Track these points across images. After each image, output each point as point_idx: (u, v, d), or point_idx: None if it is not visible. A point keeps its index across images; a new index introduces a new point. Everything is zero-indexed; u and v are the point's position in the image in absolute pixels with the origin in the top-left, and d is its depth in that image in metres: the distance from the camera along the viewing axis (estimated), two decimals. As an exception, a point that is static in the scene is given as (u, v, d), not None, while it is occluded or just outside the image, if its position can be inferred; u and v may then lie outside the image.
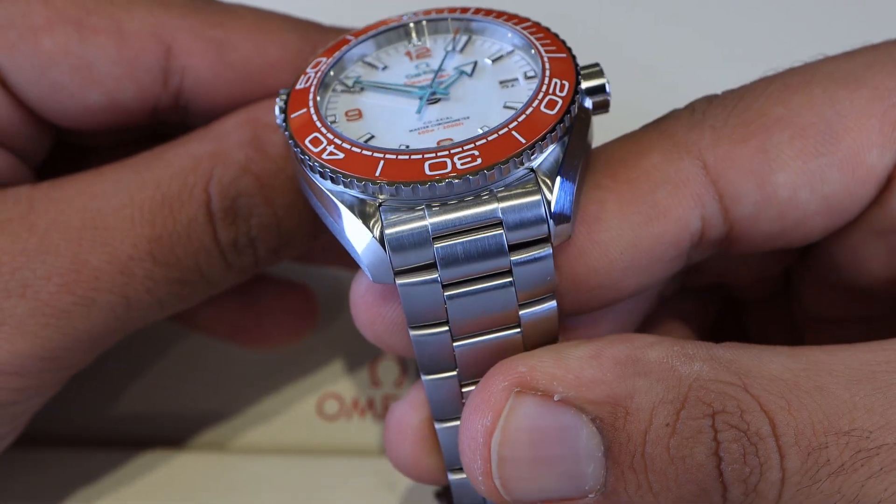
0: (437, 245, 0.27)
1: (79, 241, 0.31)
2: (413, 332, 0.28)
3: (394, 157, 0.27)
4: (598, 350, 0.27)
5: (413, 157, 0.27)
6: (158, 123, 0.36)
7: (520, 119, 0.27)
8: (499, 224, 0.27)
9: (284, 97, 0.29)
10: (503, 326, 0.28)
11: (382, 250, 0.27)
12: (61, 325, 0.31)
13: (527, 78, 0.30)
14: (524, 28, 0.30)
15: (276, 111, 0.30)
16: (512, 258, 0.27)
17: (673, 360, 0.27)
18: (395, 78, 0.30)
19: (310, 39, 0.34)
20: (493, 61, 0.30)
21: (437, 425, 0.30)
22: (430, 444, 0.31)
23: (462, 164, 0.26)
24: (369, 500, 0.38)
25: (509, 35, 0.30)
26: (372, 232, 0.27)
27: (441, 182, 0.26)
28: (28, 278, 0.31)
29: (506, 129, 0.27)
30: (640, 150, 0.30)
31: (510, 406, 0.27)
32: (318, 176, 0.27)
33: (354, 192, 0.27)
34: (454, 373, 0.29)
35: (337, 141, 0.27)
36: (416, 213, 0.27)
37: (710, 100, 0.31)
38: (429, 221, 0.26)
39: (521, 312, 0.28)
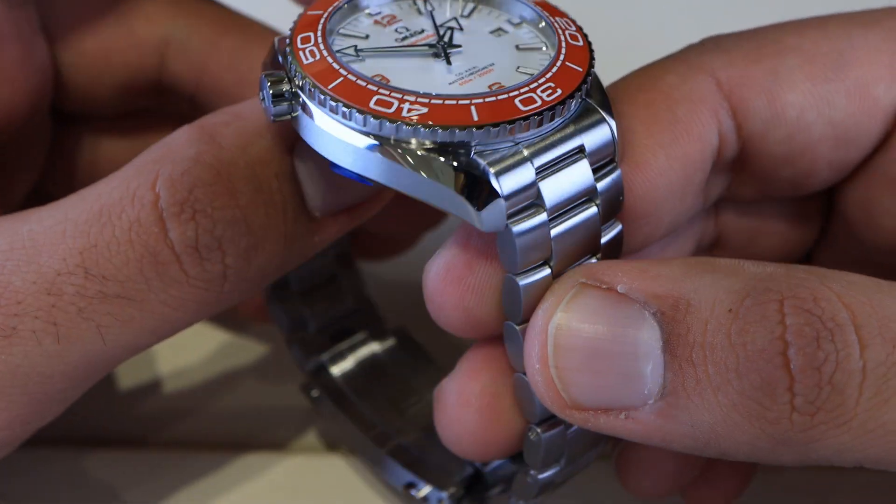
0: (541, 182, 0.27)
1: (3, 263, 0.28)
2: (522, 280, 0.28)
3: (481, 100, 0.27)
4: (669, 258, 0.27)
5: (500, 97, 0.27)
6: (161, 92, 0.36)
7: (563, 52, 0.28)
8: (581, 151, 0.28)
9: (283, 76, 0.28)
10: (589, 255, 0.29)
11: (494, 195, 0.26)
12: None
13: (513, 24, 0.31)
14: None
15: (267, 93, 0.28)
16: (596, 183, 0.28)
17: (744, 263, 0.26)
18: (387, 42, 0.30)
19: None
20: (465, 17, 0.31)
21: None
22: (497, 410, 0.31)
23: (547, 97, 0.27)
24: (369, 500, 0.38)
25: None
26: (484, 178, 0.26)
27: (540, 115, 0.27)
28: None
29: (560, 62, 0.28)
30: (654, 75, 0.31)
31: (572, 294, 0.26)
32: (402, 140, 0.27)
33: (444, 145, 0.27)
34: None
35: (410, 98, 0.27)
36: (516, 154, 0.27)
37: (719, 35, 0.32)
38: (531, 159, 0.27)
39: (602, 238, 0.29)
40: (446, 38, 0.29)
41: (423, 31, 0.30)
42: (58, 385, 0.29)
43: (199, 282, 0.29)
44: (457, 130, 0.26)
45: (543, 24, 0.30)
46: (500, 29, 0.30)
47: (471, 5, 0.31)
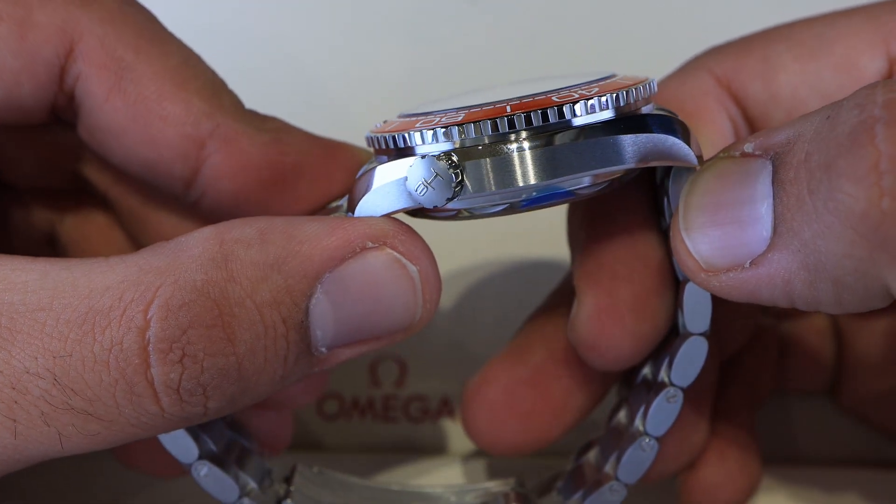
0: None
1: None
2: None
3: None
4: None
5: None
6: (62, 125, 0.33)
7: None
8: None
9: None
10: None
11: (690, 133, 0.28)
12: None
13: None
14: None
15: (446, 171, 0.26)
16: None
17: None
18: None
19: (213, 117, 0.31)
20: None
21: None
22: (508, 411, 0.34)
23: None
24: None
25: None
26: (682, 123, 0.28)
27: None
28: None
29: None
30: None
31: (707, 164, 0.27)
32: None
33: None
34: None
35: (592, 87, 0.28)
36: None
37: (713, 46, 0.34)
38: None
39: None
40: None
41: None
42: (8, 468, 0.27)
43: (175, 418, 0.26)
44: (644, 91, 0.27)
45: None
46: None
47: None
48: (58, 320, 0.26)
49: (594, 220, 0.32)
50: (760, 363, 0.38)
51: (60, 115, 0.32)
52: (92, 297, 0.26)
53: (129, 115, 0.31)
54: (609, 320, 0.30)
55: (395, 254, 0.27)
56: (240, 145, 0.31)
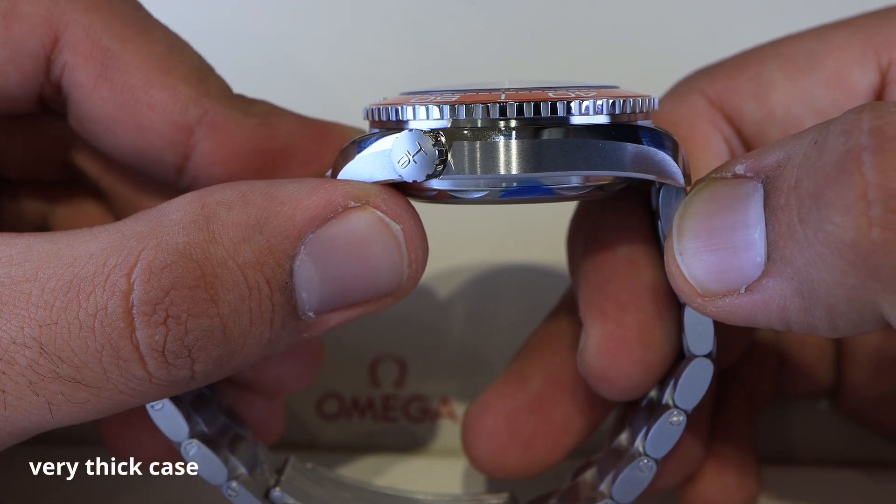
0: None
1: None
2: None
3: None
4: None
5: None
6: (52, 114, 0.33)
7: None
8: None
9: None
10: None
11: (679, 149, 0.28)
12: None
13: None
14: None
15: (429, 146, 0.26)
16: None
17: None
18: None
19: (201, 103, 0.31)
20: None
21: None
22: (507, 439, 0.34)
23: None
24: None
25: None
26: (671, 138, 0.28)
27: None
28: None
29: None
30: None
31: (698, 187, 0.27)
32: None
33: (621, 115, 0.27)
34: None
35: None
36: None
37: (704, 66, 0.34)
38: None
39: None
40: None
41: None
42: (1, 442, 0.27)
43: (163, 382, 0.26)
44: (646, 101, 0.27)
45: None
46: None
47: None
48: (43, 290, 0.26)
49: (595, 246, 0.31)
50: (759, 372, 0.38)
51: (50, 106, 0.32)
52: (76, 264, 0.26)
53: (116, 103, 0.31)
54: (618, 351, 0.30)
55: (378, 213, 0.27)
56: (228, 131, 0.31)
